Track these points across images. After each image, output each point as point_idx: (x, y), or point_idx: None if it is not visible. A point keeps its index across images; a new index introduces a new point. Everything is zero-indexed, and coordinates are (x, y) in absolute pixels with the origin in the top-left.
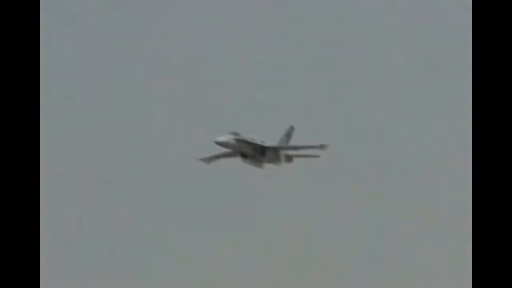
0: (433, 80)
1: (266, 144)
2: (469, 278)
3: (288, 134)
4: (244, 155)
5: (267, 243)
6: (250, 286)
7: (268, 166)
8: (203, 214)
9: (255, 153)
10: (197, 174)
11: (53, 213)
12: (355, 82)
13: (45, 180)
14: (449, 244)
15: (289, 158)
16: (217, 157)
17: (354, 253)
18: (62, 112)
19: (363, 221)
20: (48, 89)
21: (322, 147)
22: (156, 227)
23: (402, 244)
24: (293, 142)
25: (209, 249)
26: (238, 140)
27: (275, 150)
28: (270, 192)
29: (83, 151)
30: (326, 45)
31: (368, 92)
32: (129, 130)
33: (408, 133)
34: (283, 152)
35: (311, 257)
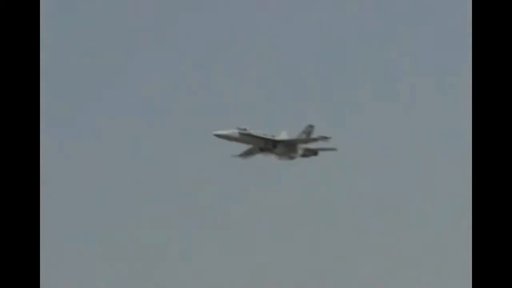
0: (436, 79)
1: (277, 138)
2: (469, 278)
3: (307, 132)
4: (262, 149)
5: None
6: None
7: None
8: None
9: (267, 146)
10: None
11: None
12: (366, 82)
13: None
14: (451, 243)
15: (312, 152)
16: (250, 152)
17: (354, 253)
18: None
19: (367, 221)
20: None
21: (323, 138)
22: (177, 223)
23: (404, 245)
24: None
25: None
26: (242, 134)
27: (287, 143)
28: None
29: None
30: (334, 45)
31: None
32: (159, 126)
33: (411, 131)
34: (301, 146)
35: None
